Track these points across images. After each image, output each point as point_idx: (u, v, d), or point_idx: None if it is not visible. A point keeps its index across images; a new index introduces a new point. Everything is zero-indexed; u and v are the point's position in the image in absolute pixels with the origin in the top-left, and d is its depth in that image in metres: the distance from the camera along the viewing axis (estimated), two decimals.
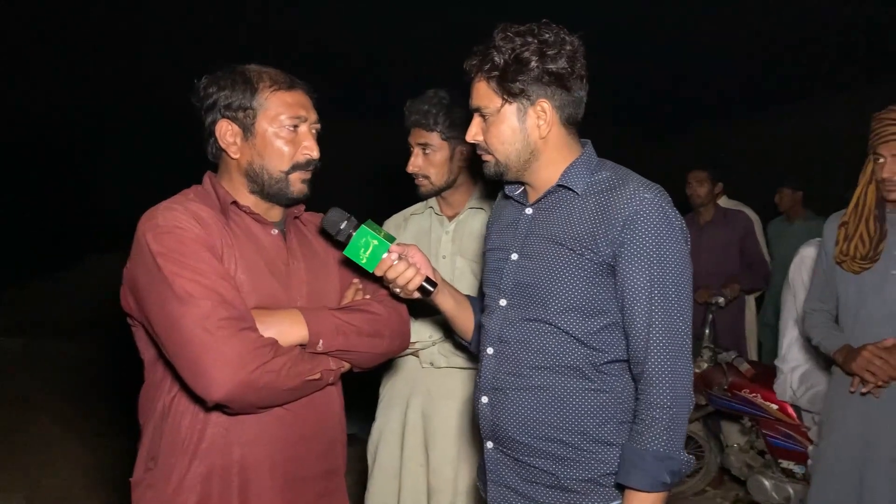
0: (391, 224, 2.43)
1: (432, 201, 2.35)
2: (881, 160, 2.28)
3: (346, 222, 1.60)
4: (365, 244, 1.59)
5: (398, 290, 1.63)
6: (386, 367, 2.32)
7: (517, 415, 1.55)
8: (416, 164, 2.21)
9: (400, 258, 1.61)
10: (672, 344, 1.44)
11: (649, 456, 1.42)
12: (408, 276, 1.59)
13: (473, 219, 2.29)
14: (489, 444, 1.63)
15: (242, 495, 1.49)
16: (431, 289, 1.65)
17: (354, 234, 1.59)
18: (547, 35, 1.49)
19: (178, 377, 1.47)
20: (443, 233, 2.29)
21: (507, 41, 1.49)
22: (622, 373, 1.53)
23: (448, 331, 2.02)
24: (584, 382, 1.51)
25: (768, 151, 8.55)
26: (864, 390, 2.30)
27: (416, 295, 1.65)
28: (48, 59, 7.35)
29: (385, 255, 1.59)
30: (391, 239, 1.62)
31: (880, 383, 2.26)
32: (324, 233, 1.68)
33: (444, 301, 1.74)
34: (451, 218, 2.31)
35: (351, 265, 1.69)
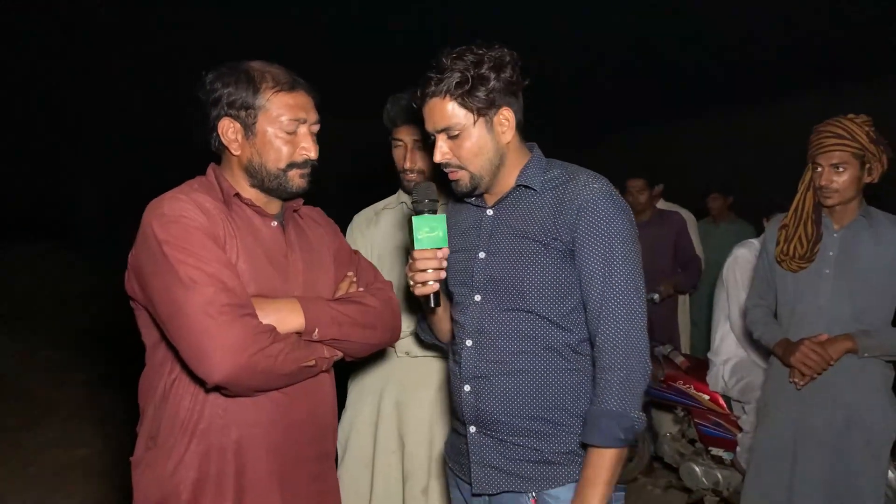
0: (362, 218, 2.47)
1: (404, 196, 2.40)
2: (819, 169, 2.48)
3: (431, 201, 1.66)
4: (432, 228, 1.64)
5: (411, 281, 1.70)
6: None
7: (501, 398, 1.66)
8: (424, 158, 2.26)
9: (439, 262, 1.67)
10: (626, 312, 1.58)
11: (604, 415, 1.56)
12: (428, 277, 1.66)
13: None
14: (472, 429, 1.72)
15: (239, 475, 1.55)
16: (433, 305, 1.72)
17: (433, 215, 1.65)
18: (492, 52, 1.62)
19: (178, 360, 1.52)
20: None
21: (459, 62, 1.60)
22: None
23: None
24: (562, 362, 1.65)
25: (702, 156, 8.97)
26: (801, 383, 2.50)
27: (419, 296, 1.70)
28: None
29: (435, 249, 1.65)
30: (446, 244, 1.68)
31: (815, 375, 2.46)
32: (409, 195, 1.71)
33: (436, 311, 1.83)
34: None
35: (348, 258, 1.76)
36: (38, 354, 6.73)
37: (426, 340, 2.04)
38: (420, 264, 1.66)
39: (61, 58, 7.54)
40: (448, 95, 1.61)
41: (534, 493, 1.65)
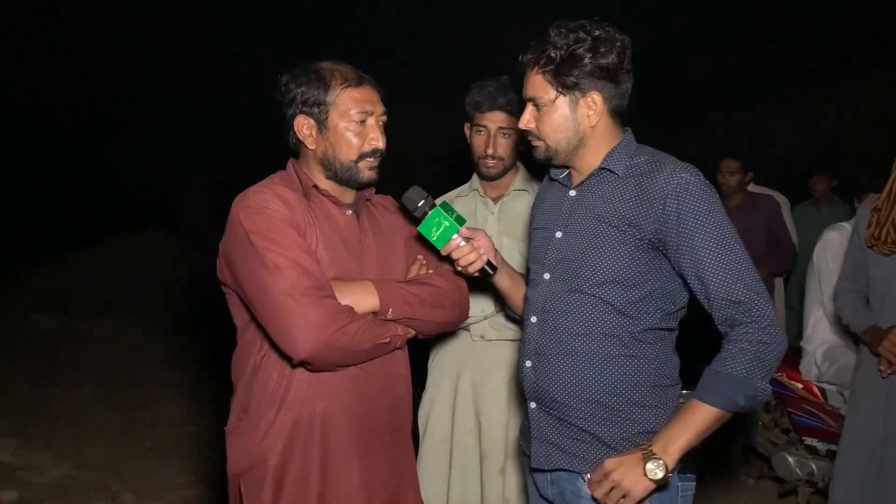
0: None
1: (476, 184, 2.47)
2: None
3: (423, 201, 1.77)
4: (437, 224, 1.75)
5: (459, 268, 1.79)
6: (434, 342, 2.47)
7: (559, 378, 1.69)
8: (505, 146, 2.34)
9: (467, 241, 1.76)
10: (754, 293, 1.55)
11: (727, 378, 1.53)
12: (470, 259, 1.75)
13: (517, 200, 2.41)
14: (532, 405, 1.78)
15: (323, 442, 1.69)
16: (491, 272, 1.81)
17: (430, 212, 1.75)
18: (598, 32, 1.62)
19: (266, 339, 1.68)
20: (488, 214, 2.42)
21: (561, 37, 1.62)
22: (656, 341, 1.68)
23: (499, 306, 2.16)
24: (621, 349, 1.65)
25: (800, 134, 8.56)
26: (887, 372, 2.41)
27: (477, 274, 1.80)
28: (75, 45, 7.53)
29: (454, 237, 1.75)
30: (461, 222, 1.77)
31: None
32: (402, 208, 1.85)
33: (500, 280, 1.90)
34: (495, 200, 2.43)
35: (418, 242, 1.87)
36: (150, 338, 7.21)
37: (511, 315, 2.08)
38: (454, 255, 1.76)
39: (172, 54, 8.03)
40: (538, 68, 1.64)
41: (589, 476, 1.66)
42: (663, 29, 5.80)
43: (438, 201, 2.51)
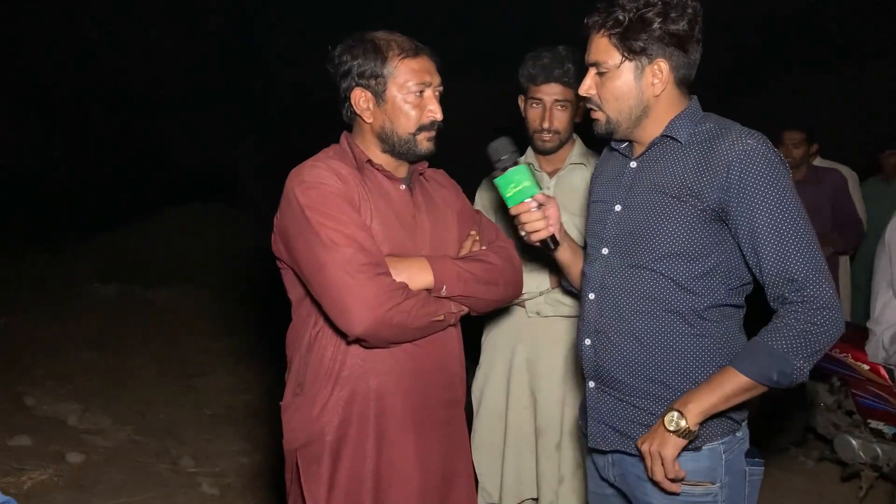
0: (490, 180, 2.50)
1: (531, 157, 2.43)
2: None
3: (508, 155, 1.71)
4: (516, 181, 1.69)
5: (523, 233, 1.74)
6: (488, 318, 2.46)
7: (619, 356, 1.64)
8: (561, 119, 2.29)
9: (539, 207, 1.71)
10: (814, 270, 1.48)
11: (766, 350, 1.48)
12: (537, 227, 1.70)
13: (573, 174, 2.36)
14: (591, 384, 1.74)
15: (379, 418, 1.70)
16: (552, 246, 1.76)
17: (511, 168, 1.69)
18: None
19: (321, 314, 1.68)
20: (543, 188, 2.36)
21: (631, 0, 1.53)
22: (722, 318, 1.61)
23: (555, 281, 2.12)
24: (685, 327, 1.59)
25: (869, 104, 8.19)
26: None
27: (537, 244, 1.75)
28: (126, 23, 7.66)
29: (528, 199, 1.69)
30: (537, 188, 1.72)
31: None
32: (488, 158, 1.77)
33: (562, 252, 1.84)
34: (551, 174, 2.39)
35: (471, 217, 1.83)
36: (207, 307, 7.38)
37: (569, 289, 2.03)
38: (523, 218, 1.70)
39: (225, 26, 8.14)
40: (605, 31, 1.57)
41: None
42: None
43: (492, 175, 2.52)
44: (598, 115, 1.66)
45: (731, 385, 1.51)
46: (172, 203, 10.02)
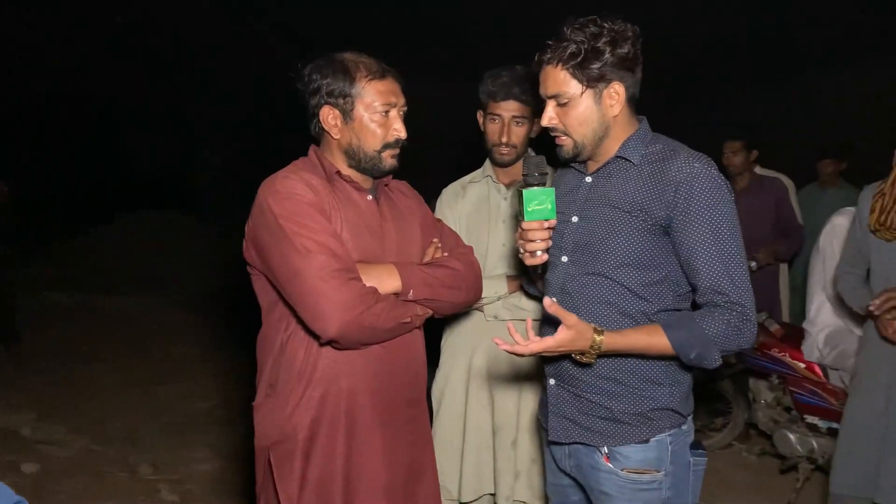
0: (450, 192, 2.63)
1: (489, 170, 2.54)
2: None
3: (540, 174, 1.74)
4: (541, 201, 1.71)
5: (522, 250, 1.78)
6: (448, 323, 2.56)
7: None
8: (518, 134, 2.39)
9: (547, 233, 1.75)
10: (738, 286, 1.64)
11: (699, 330, 1.63)
12: (536, 248, 1.74)
13: None
14: (552, 381, 1.86)
15: (349, 416, 1.79)
16: (541, 272, 1.84)
17: (540, 188, 1.72)
18: (613, 25, 1.68)
19: (293, 318, 1.76)
20: (501, 199, 2.49)
21: (579, 33, 1.67)
22: None
23: (513, 287, 2.26)
24: None
25: (805, 117, 8.55)
26: (889, 331, 2.45)
27: (530, 263, 1.78)
28: (85, 27, 7.54)
29: (545, 221, 1.73)
30: (555, 215, 1.76)
31: None
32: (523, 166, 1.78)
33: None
34: (508, 185, 2.50)
35: (432, 226, 1.95)
36: (164, 315, 7.34)
37: (533, 294, 2.15)
38: (530, 235, 1.73)
39: (187, 32, 8.05)
40: (561, 64, 1.68)
41: (605, 450, 1.76)
42: (677, 6, 5.79)
43: (451, 187, 2.63)
44: (564, 140, 1.77)
45: (654, 341, 1.65)
46: (129, 210, 9.91)
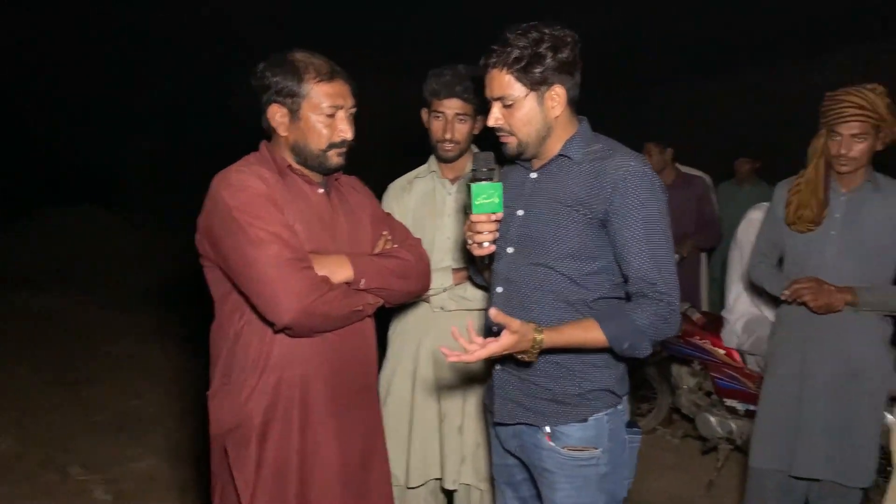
0: (397, 186, 2.69)
1: (434, 165, 2.62)
2: (838, 138, 2.58)
3: (489, 170, 1.83)
4: (489, 195, 1.81)
5: (470, 241, 1.88)
6: (396, 313, 2.63)
7: None
8: (461, 130, 2.47)
9: (494, 226, 1.85)
10: (666, 278, 1.78)
11: (630, 321, 1.75)
12: (484, 239, 1.84)
13: None
14: (498, 367, 1.96)
15: (303, 402, 1.84)
16: (487, 263, 1.94)
17: (488, 182, 1.82)
18: (555, 31, 1.79)
19: (248, 307, 1.80)
20: (446, 194, 2.57)
21: (522, 38, 1.78)
22: (606, 308, 1.86)
23: (458, 278, 2.38)
24: (577, 315, 1.84)
25: (720, 116, 8.99)
26: (811, 303, 2.62)
27: (478, 253, 1.88)
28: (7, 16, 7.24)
29: (492, 214, 1.83)
30: (502, 208, 1.85)
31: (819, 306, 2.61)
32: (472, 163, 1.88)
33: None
34: (452, 181, 2.58)
35: (382, 219, 2.02)
36: (92, 314, 7.12)
37: (480, 283, 2.25)
38: (478, 227, 1.83)
39: (104, 22, 7.80)
40: (506, 68, 1.77)
41: (548, 429, 1.87)
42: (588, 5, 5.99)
43: (397, 182, 2.70)
44: (509, 139, 1.87)
45: (589, 336, 1.76)
46: (49, 205, 9.53)
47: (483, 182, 1.82)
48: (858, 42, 7.19)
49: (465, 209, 1.90)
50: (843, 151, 2.57)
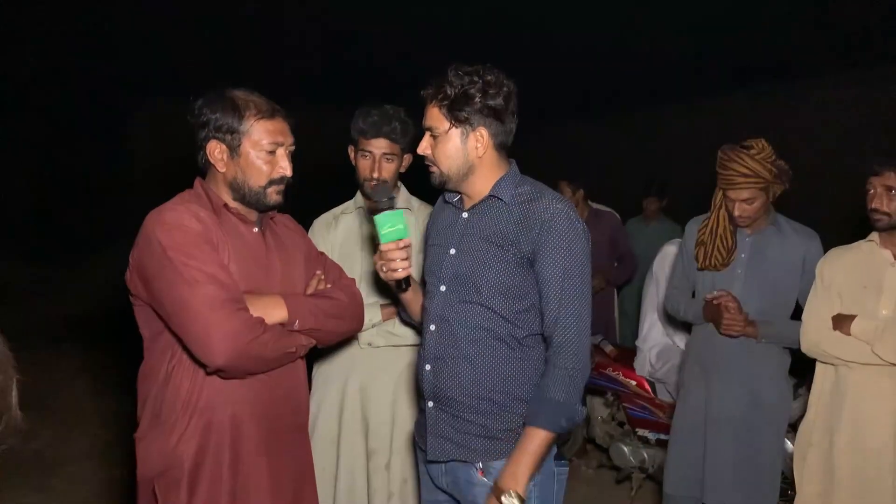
0: (322, 222, 2.70)
1: (360, 201, 2.64)
2: (730, 202, 2.77)
3: (389, 199, 1.92)
4: (393, 223, 1.90)
5: (384, 271, 1.96)
6: (320, 350, 2.59)
7: (455, 378, 1.92)
8: (388, 169, 2.51)
9: (405, 252, 1.94)
10: (577, 320, 1.85)
11: (551, 403, 1.81)
12: (397, 266, 1.93)
13: None
14: (430, 404, 1.99)
15: (234, 443, 1.81)
16: (405, 287, 2.00)
17: (390, 211, 1.90)
18: (490, 77, 1.87)
19: (180, 347, 1.77)
20: (372, 230, 2.59)
21: (457, 78, 1.86)
22: (537, 344, 1.94)
23: (386, 315, 2.38)
24: (509, 352, 1.90)
25: (629, 155, 9.42)
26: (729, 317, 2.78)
27: (393, 282, 1.97)
28: None
29: (400, 240, 1.91)
30: (408, 234, 1.95)
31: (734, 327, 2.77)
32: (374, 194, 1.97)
33: (409, 291, 2.08)
34: None
35: (315, 259, 2.04)
36: None
37: (406, 320, 2.29)
38: (389, 255, 1.92)
39: None
40: (436, 102, 1.87)
41: (480, 465, 1.90)
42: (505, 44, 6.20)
43: (323, 218, 2.70)
44: (433, 169, 1.95)
45: (538, 443, 1.81)
46: None
47: (385, 212, 1.90)
48: (740, 86, 7.75)
49: (374, 241, 1.96)
50: (737, 213, 2.78)
